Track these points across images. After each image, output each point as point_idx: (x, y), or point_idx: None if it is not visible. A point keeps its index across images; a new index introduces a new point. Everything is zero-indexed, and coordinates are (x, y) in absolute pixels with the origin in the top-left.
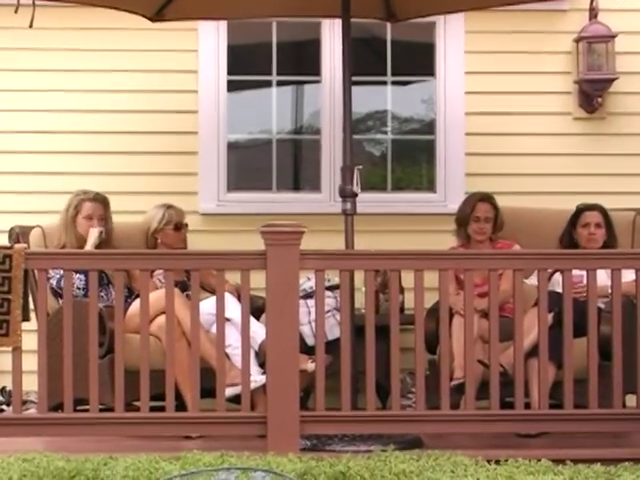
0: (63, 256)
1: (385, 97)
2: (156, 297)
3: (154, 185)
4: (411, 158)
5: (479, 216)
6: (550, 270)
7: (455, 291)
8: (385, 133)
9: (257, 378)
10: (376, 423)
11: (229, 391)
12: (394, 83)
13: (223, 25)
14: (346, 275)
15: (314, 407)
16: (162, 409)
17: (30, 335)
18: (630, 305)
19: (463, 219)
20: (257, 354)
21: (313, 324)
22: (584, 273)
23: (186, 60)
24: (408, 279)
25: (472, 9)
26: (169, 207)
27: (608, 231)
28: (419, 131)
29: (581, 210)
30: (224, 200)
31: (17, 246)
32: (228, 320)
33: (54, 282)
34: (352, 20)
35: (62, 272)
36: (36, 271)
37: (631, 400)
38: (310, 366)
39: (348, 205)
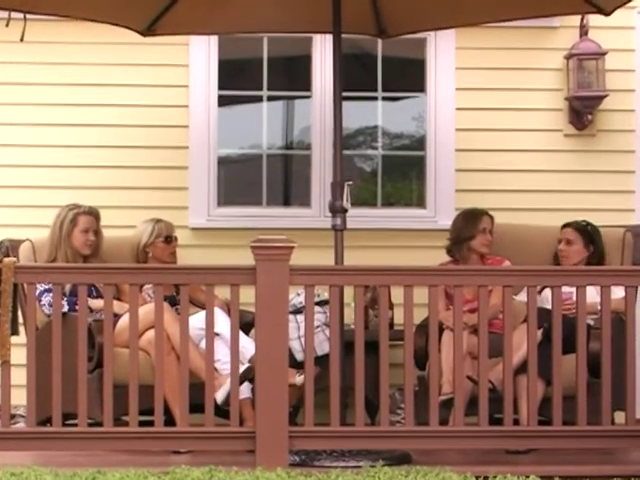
0: (53, 270)
1: (376, 113)
2: (145, 311)
3: (144, 199)
4: (401, 174)
5: (485, 227)
6: (539, 287)
7: (445, 307)
8: (375, 149)
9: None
10: (365, 439)
11: (220, 394)
12: (385, 99)
13: (214, 40)
14: (335, 290)
15: (303, 422)
16: (151, 424)
17: (19, 349)
18: (619, 322)
19: (468, 234)
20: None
21: (302, 339)
22: (573, 290)
23: (177, 75)
24: (397, 295)
25: (463, 25)
26: (158, 221)
27: (595, 248)
28: (409, 147)
29: (561, 228)
30: (214, 215)
31: (6, 260)
32: (217, 335)
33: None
34: (343, 36)
35: (42, 288)
36: (25, 285)
37: (620, 417)
38: (298, 379)
39: (338, 220)
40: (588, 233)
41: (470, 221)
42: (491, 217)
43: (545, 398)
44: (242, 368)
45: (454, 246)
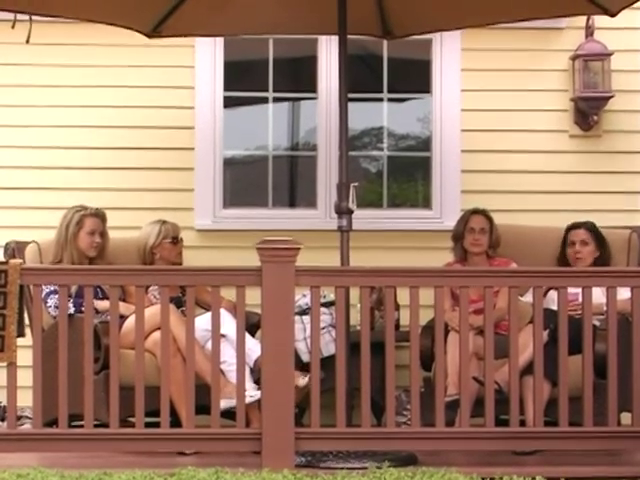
0: (59, 272)
1: (381, 114)
2: (151, 313)
3: (150, 201)
4: (407, 175)
5: (473, 227)
6: (545, 288)
7: (451, 307)
8: (381, 150)
9: (252, 393)
10: (371, 440)
11: (223, 403)
12: (390, 100)
13: (220, 41)
14: (341, 292)
15: (309, 424)
16: (157, 425)
17: (25, 351)
18: (625, 323)
19: (458, 233)
20: (252, 370)
21: (308, 340)
22: (579, 291)
23: (183, 76)
24: (403, 296)
25: (468, 27)
26: (164, 222)
27: (600, 248)
28: (415, 148)
29: (568, 229)
30: (220, 216)
31: (12, 261)
32: (223, 336)
33: (42, 296)
34: (348, 37)
35: (47, 289)
36: (31, 286)
37: (626, 418)
38: (302, 382)
39: (344, 221)
40: (599, 234)
41: (460, 220)
42: (487, 217)
43: (551, 399)
44: (253, 398)
45: (454, 246)
